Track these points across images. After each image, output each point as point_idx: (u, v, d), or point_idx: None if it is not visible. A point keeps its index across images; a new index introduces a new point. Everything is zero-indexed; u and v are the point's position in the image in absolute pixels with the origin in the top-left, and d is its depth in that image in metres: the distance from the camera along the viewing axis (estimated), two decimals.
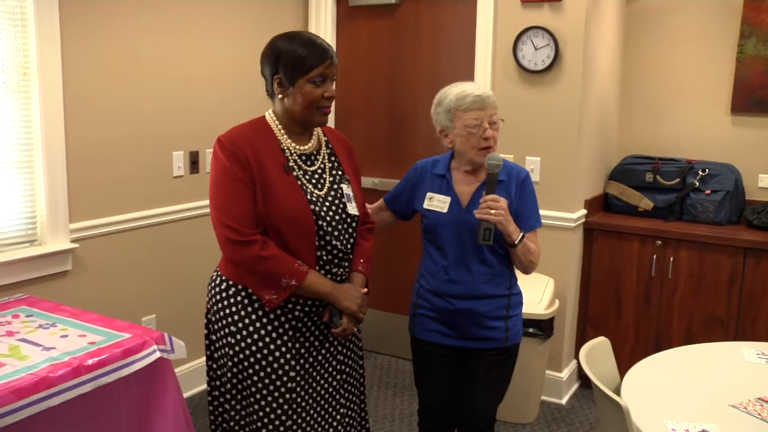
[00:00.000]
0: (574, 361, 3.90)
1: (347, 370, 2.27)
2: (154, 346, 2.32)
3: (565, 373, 3.77)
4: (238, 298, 2.08)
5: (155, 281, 3.39)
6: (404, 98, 4.09)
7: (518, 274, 2.45)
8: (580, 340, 3.80)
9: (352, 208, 2.16)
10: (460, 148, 2.33)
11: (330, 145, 2.22)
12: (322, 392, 2.17)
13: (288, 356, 2.07)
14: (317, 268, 2.07)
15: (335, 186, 2.14)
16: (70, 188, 2.96)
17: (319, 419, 2.16)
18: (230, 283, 2.09)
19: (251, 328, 2.05)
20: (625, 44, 4.12)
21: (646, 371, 2.33)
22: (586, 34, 3.48)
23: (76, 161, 2.97)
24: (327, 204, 2.09)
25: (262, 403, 2.07)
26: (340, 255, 2.12)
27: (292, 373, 2.07)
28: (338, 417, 2.22)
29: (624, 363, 2.55)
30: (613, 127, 4.15)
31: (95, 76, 3.03)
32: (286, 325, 2.07)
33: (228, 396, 2.14)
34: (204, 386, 3.46)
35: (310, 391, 2.13)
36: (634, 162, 3.97)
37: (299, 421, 2.10)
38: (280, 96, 2.06)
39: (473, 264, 2.32)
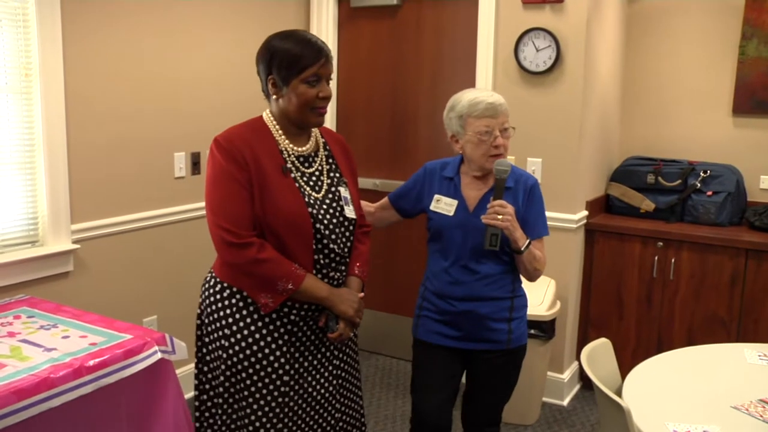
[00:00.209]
0: (576, 363, 3.90)
1: (344, 374, 2.23)
2: (156, 347, 2.32)
3: (566, 375, 3.77)
4: (233, 301, 2.04)
5: (157, 282, 3.39)
6: (405, 99, 4.09)
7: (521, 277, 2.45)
8: (582, 342, 3.79)
9: (350, 212, 2.13)
10: (470, 154, 2.33)
11: (328, 147, 2.19)
12: (318, 397, 2.13)
13: (282, 360, 2.03)
14: (314, 272, 2.04)
15: (333, 188, 2.12)
16: (72, 189, 2.96)
17: (313, 424, 2.13)
18: (225, 285, 2.06)
19: (245, 332, 2.02)
20: (627, 45, 4.12)
21: (647, 372, 2.33)
22: (588, 36, 3.48)
23: (78, 162, 2.98)
24: (324, 207, 2.06)
25: (255, 407, 2.03)
26: (337, 259, 2.09)
27: (286, 378, 2.04)
28: (333, 422, 2.19)
29: (625, 364, 2.54)
30: (614, 128, 4.14)
31: (97, 76, 3.03)
32: (282, 329, 2.04)
33: (219, 400, 2.09)
34: None
35: (305, 396, 2.09)
36: (635, 163, 3.97)
37: (291, 425, 2.07)
38: (274, 96, 2.03)
39: (476, 267, 2.32)
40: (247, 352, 2.01)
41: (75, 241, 2.98)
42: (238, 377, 2.03)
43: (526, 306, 2.45)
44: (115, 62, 3.10)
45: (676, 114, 4.05)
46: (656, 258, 3.64)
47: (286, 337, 2.04)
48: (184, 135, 3.44)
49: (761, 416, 2.01)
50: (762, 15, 3.71)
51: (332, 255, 2.07)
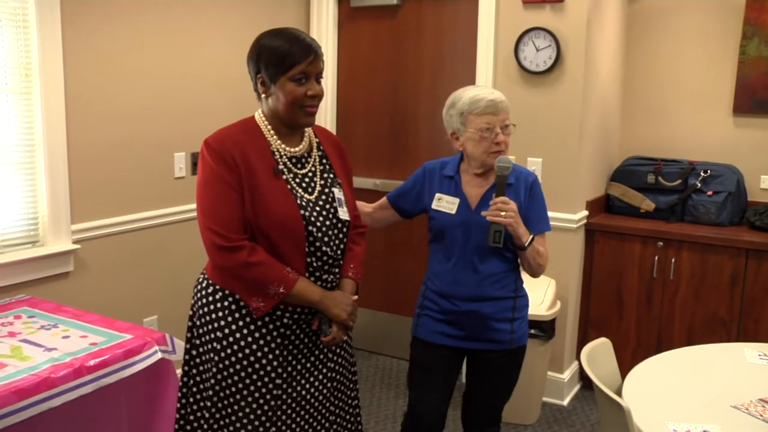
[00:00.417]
0: (576, 363, 3.90)
1: (338, 377, 2.19)
2: (156, 347, 2.32)
3: (566, 375, 3.77)
4: (225, 303, 2.00)
5: (157, 282, 3.39)
6: (406, 99, 4.09)
7: (522, 275, 2.45)
8: (582, 342, 3.79)
9: (343, 213, 2.09)
10: (471, 152, 2.33)
11: (321, 147, 2.15)
12: (312, 400, 2.10)
13: (275, 363, 2.00)
14: (307, 274, 2.01)
15: (326, 190, 2.08)
16: (72, 189, 2.96)
17: (307, 427, 2.10)
18: (217, 287, 2.01)
19: (238, 335, 1.98)
20: (627, 45, 4.12)
21: (647, 372, 2.33)
22: (588, 35, 3.48)
23: (78, 162, 2.98)
24: (317, 209, 2.02)
25: (247, 410, 2.00)
26: (330, 261, 2.06)
27: (278, 380, 2.01)
28: (327, 424, 2.16)
29: (625, 364, 2.55)
30: (614, 128, 4.14)
31: (97, 77, 3.03)
32: (274, 332, 2.01)
33: (208, 403, 2.04)
34: None
35: (298, 398, 2.07)
36: (635, 163, 3.97)
37: (284, 428, 2.04)
38: (264, 95, 1.99)
39: (479, 266, 2.32)
40: (240, 355, 1.98)
41: (75, 241, 2.98)
42: (230, 381, 1.99)
43: (527, 306, 2.45)
44: (115, 62, 3.10)
45: (676, 114, 4.05)
46: (656, 258, 3.64)
47: (278, 340, 2.01)
48: (185, 135, 3.44)
49: (761, 416, 2.01)
50: (762, 14, 3.71)
51: (325, 257, 2.04)
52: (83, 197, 3.02)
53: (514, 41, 3.59)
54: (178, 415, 2.13)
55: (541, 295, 3.45)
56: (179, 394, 2.14)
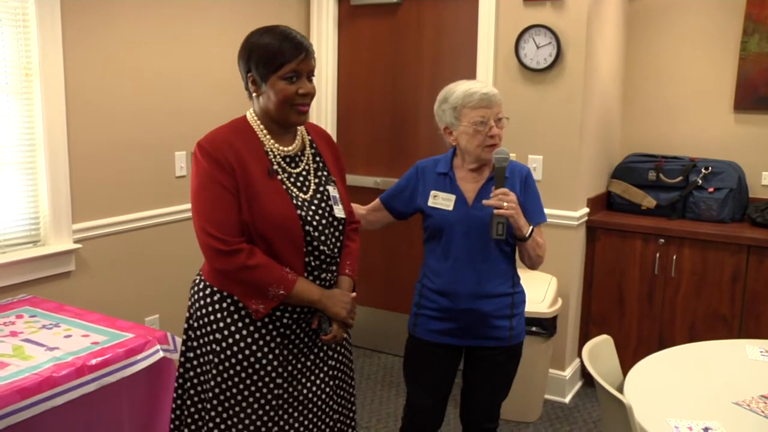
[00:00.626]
0: (577, 360, 3.90)
1: (340, 375, 2.19)
2: (157, 346, 2.32)
3: (568, 372, 3.77)
4: (224, 305, 1.99)
5: (158, 281, 3.40)
6: (406, 97, 4.09)
7: (519, 272, 2.45)
8: (583, 339, 3.79)
9: (339, 211, 2.08)
10: (465, 146, 2.33)
11: (314, 145, 2.13)
12: (314, 398, 2.10)
13: (275, 363, 2.00)
14: (305, 274, 2.00)
15: (321, 188, 2.07)
16: (73, 189, 2.96)
17: (311, 426, 2.10)
18: (215, 289, 2.00)
19: (237, 336, 1.97)
20: (628, 42, 4.11)
21: (649, 369, 2.33)
22: (588, 32, 3.48)
23: (79, 162, 2.98)
24: (313, 208, 2.02)
25: (249, 411, 1.99)
26: (328, 260, 2.06)
27: (279, 380, 2.01)
28: (331, 423, 2.16)
29: (627, 361, 2.54)
30: (615, 125, 4.14)
31: (97, 76, 3.03)
32: (274, 333, 2.00)
33: (208, 405, 2.03)
34: None
35: (300, 397, 2.06)
36: (636, 160, 3.97)
37: (287, 428, 2.04)
38: (255, 94, 1.97)
39: (478, 262, 2.32)
40: (240, 356, 1.97)
41: (76, 241, 2.98)
42: (231, 383, 1.99)
43: (525, 302, 2.46)
44: (115, 61, 3.10)
45: (677, 110, 4.04)
46: (658, 255, 3.63)
47: (278, 339, 2.01)
48: (185, 134, 3.44)
49: (763, 412, 2.01)
50: (764, 11, 3.71)
51: (323, 256, 2.03)
52: (84, 197, 3.02)
53: (514, 39, 3.59)
54: (173, 416, 2.12)
55: (542, 293, 3.45)
56: (174, 395, 2.12)
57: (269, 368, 2.00)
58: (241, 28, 2.03)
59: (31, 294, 2.77)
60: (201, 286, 2.05)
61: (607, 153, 4.04)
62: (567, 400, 3.74)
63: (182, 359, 2.10)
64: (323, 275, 2.05)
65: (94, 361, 2.13)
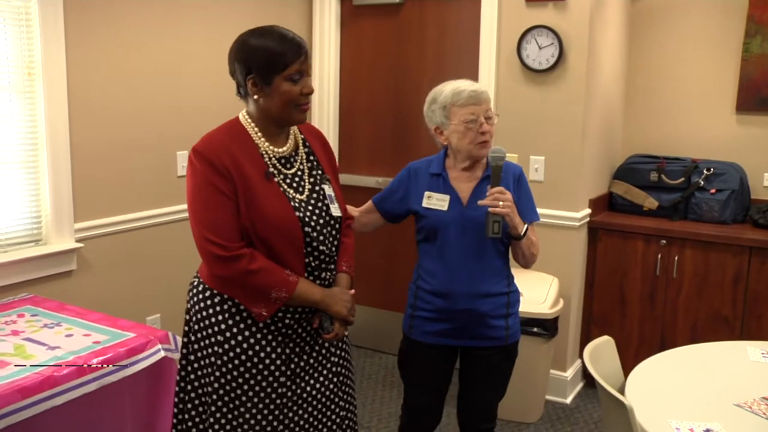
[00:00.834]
0: (579, 361, 3.90)
1: (343, 371, 2.19)
2: (159, 346, 2.32)
3: (569, 373, 3.76)
4: (225, 307, 1.98)
5: (160, 281, 3.40)
6: (408, 97, 4.09)
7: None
8: (585, 340, 3.79)
9: (335, 210, 2.09)
10: (457, 144, 2.33)
11: (308, 144, 2.13)
12: (320, 396, 2.10)
13: (278, 362, 2.00)
14: (305, 274, 2.01)
15: (317, 188, 2.07)
16: (75, 188, 2.96)
17: (315, 422, 2.10)
18: (215, 291, 2.00)
19: (240, 338, 1.97)
20: (630, 43, 4.11)
21: (650, 370, 2.33)
22: (591, 33, 3.48)
23: (81, 161, 2.98)
24: (310, 208, 2.02)
25: (254, 411, 2.00)
26: (327, 259, 2.06)
27: (283, 379, 2.02)
28: (338, 420, 2.17)
29: (628, 362, 2.54)
30: (617, 126, 4.14)
31: (100, 76, 3.03)
32: (276, 333, 2.00)
33: (213, 408, 2.03)
34: None
35: (304, 395, 2.07)
36: (638, 161, 3.96)
37: (293, 426, 2.05)
38: (256, 97, 1.96)
39: (474, 262, 2.32)
40: (243, 357, 1.98)
41: (78, 240, 2.98)
42: (234, 384, 1.99)
43: (519, 302, 2.46)
44: (118, 61, 3.10)
45: (679, 111, 4.04)
46: (659, 256, 3.63)
47: (279, 339, 2.01)
48: (187, 133, 3.43)
49: (764, 414, 2.01)
50: (766, 12, 3.70)
51: (322, 256, 2.04)
52: (86, 196, 3.02)
53: (516, 39, 3.59)
54: (175, 420, 2.12)
55: (543, 294, 3.45)
56: (176, 399, 2.12)
57: (272, 368, 2.00)
58: (243, 28, 2.03)
59: (32, 293, 2.77)
60: (200, 289, 2.04)
61: (609, 154, 4.04)
62: (568, 400, 3.74)
63: (183, 362, 2.09)
64: (323, 274, 2.06)
65: (95, 361, 2.13)
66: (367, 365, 4.13)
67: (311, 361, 2.10)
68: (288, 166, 2.04)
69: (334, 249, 2.10)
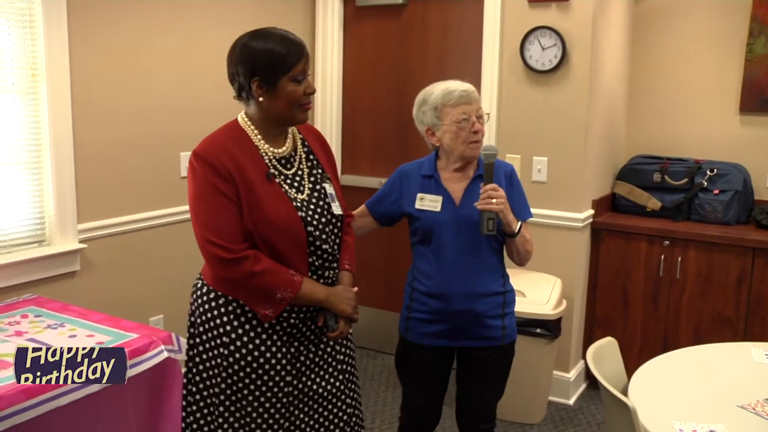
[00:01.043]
0: (582, 362, 3.89)
1: (348, 368, 2.21)
2: (162, 346, 2.33)
3: (572, 374, 3.76)
4: (229, 308, 1.99)
5: (163, 281, 3.40)
6: (411, 98, 4.03)
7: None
8: (588, 341, 3.79)
9: (337, 208, 2.10)
10: (449, 145, 2.34)
11: (306, 143, 2.14)
12: (326, 394, 2.11)
13: (284, 362, 2.01)
14: (309, 274, 2.02)
15: (317, 187, 2.08)
16: (79, 189, 2.97)
17: (323, 420, 2.12)
18: (219, 293, 2.01)
19: (245, 338, 1.98)
20: (633, 44, 4.11)
21: (653, 371, 2.32)
22: (594, 34, 3.47)
23: (85, 162, 2.99)
24: (312, 207, 2.03)
25: (261, 410, 2.01)
26: (330, 258, 2.07)
27: (289, 378, 2.03)
28: (345, 417, 2.18)
29: (631, 363, 2.54)
30: (620, 126, 4.13)
31: (103, 77, 3.04)
32: (281, 333, 2.01)
33: (221, 409, 2.03)
34: None
35: (311, 393, 2.08)
36: (641, 162, 3.96)
37: (299, 424, 2.06)
38: (261, 99, 1.97)
39: (469, 262, 2.33)
40: (249, 358, 1.98)
41: (82, 241, 2.99)
42: (241, 384, 2.00)
43: (515, 301, 2.47)
44: (121, 62, 3.11)
45: (682, 112, 4.03)
46: (662, 257, 3.63)
47: (285, 338, 2.02)
48: (191, 134, 3.42)
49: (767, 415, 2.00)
50: None
51: (325, 255, 2.05)
52: (90, 197, 3.02)
53: (519, 40, 3.59)
54: (183, 424, 2.12)
55: (546, 295, 3.45)
56: (183, 403, 2.12)
57: (278, 367, 2.02)
58: (246, 29, 2.03)
59: (36, 294, 2.77)
60: (204, 291, 2.05)
61: (612, 154, 4.03)
62: (571, 402, 3.74)
63: (189, 364, 2.10)
64: (326, 273, 2.08)
65: None
66: (370, 366, 4.13)
67: (317, 359, 2.11)
68: (288, 166, 2.06)
69: (336, 247, 2.11)
